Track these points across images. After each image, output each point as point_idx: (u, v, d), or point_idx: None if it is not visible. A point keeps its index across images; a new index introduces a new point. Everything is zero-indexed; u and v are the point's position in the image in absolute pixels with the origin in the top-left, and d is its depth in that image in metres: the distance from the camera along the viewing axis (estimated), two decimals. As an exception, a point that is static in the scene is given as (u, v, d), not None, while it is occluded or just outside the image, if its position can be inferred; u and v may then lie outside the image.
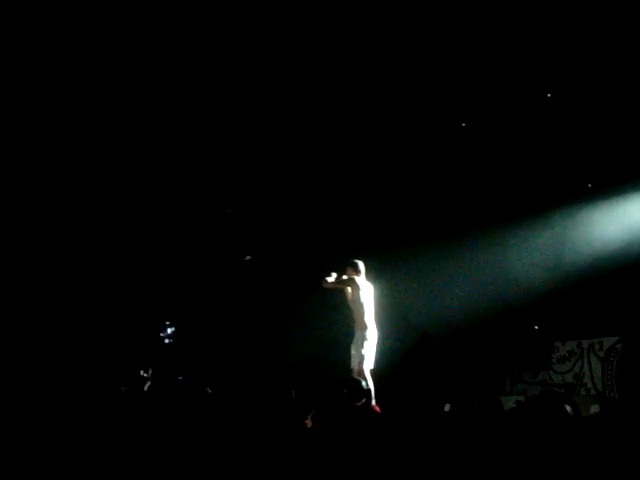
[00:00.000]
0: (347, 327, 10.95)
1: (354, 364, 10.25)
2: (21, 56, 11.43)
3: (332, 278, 10.29)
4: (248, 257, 13.93)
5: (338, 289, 10.51)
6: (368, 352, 10.14)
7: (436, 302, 14.01)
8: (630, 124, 12.00)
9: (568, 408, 5.57)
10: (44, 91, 12.01)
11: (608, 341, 12.66)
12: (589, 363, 12.80)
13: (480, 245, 13.96)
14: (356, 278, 10.31)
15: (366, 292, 10.27)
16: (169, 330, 12.67)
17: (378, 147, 13.62)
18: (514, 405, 10.14)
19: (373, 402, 9.41)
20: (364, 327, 10.19)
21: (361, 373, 10.06)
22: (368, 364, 10.14)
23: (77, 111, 12.41)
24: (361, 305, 10.22)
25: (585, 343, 13.03)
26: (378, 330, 10.33)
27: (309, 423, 5.16)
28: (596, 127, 12.28)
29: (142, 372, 10.81)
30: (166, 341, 12.93)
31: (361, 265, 10.49)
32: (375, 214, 14.28)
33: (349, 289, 10.38)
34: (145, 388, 10.36)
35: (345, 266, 10.48)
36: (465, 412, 6.79)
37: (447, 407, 8.68)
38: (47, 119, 12.37)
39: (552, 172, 13.08)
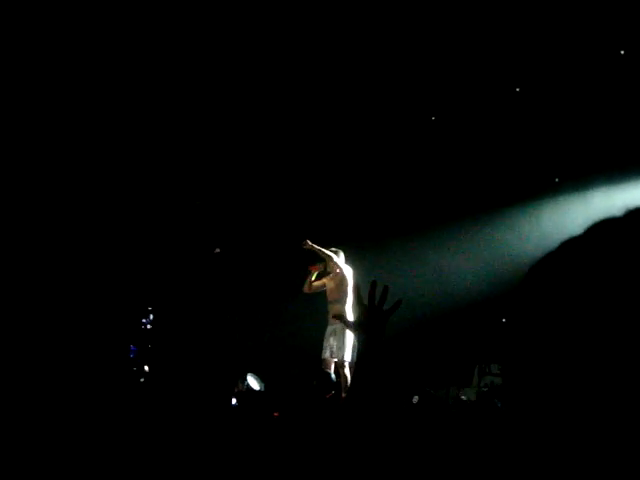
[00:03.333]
0: (317, 318, 10.91)
1: (327, 355, 10.17)
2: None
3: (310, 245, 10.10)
4: (217, 250, 13.87)
5: (318, 289, 10.36)
6: (349, 343, 9.99)
7: (403, 293, 14.05)
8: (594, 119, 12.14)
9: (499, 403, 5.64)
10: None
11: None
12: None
13: (450, 237, 14.03)
14: (340, 264, 10.21)
15: (349, 281, 10.09)
16: (150, 316, 12.60)
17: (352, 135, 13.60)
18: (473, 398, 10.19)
19: (344, 394, 9.42)
20: (349, 315, 10.05)
21: (341, 365, 9.99)
22: (349, 356, 10.01)
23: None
24: (344, 294, 10.05)
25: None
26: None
27: (277, 414, 5.15)
28: (564, 121, 12.40)
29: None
30: (148, 327, 12.85)
31: (341, 254, 10.40)
32: (344, 205, 14.27)
33: (331, 281, 10.23)
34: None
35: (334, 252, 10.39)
36: (433, 404, 6.84)
37: (415, 399, 8.74)
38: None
39: (520, 166, 13.20)
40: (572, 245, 0.84)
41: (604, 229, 0.83)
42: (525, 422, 0.83)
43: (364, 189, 14.18)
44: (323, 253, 10.14)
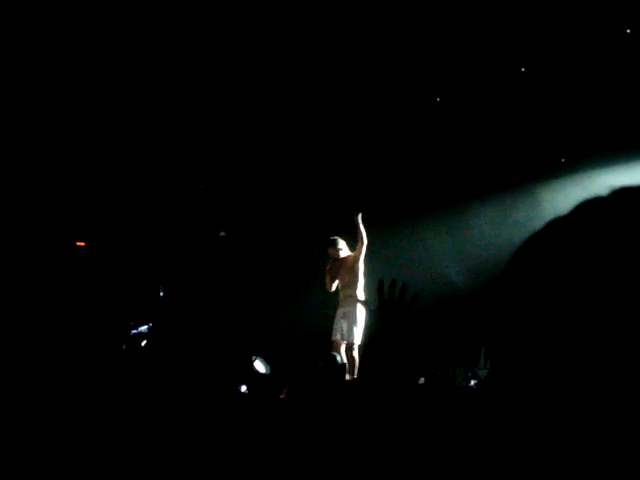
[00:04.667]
0: (325, 301, 10.95)
1: (337, 337, 10.24)
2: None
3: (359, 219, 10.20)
4: (222, 233, 13.88)
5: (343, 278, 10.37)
6: (360, 326, 10.12)
7: (412, 275, 14.06)
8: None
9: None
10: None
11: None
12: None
13: (460, 219, 14.01)
14: (347, 250, 10.40)
15: (360, 265, 10.25)
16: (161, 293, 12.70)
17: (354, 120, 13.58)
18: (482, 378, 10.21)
19: (348, 377, 9.46)
20: (359, 301, 10.17)
21: (350, 347, 10.08)
22: (359, 339, 10.12)
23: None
24: (360, 279, 10.20)
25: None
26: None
27: (283, 396, 5.17)
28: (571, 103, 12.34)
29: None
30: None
31: (342, 241, 10.55)
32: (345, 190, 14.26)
33: (343, 265, 10.32)
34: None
35: (336, 240, 10.49)
36: (439, 385, 6.85)
37: (421, 380, 8.76)
38: None
39: (529, 147, 13.16)
40: (558, 225, 0.84)
41: (590, 208, 0.83)
42: (513, 403, 0.83)
43: (372, 169, 14.17)
44: (360, 233, 10.25)
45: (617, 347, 0.69)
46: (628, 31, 11.41)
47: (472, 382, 10.26)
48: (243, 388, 6.21)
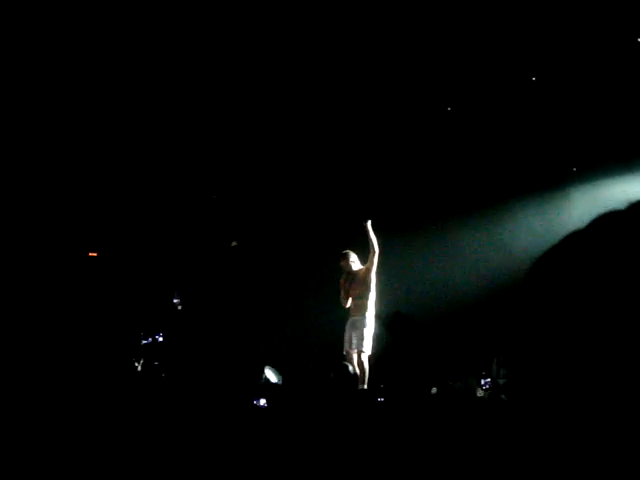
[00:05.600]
0: (336, 311, 10.96)
1: (348, 347, 10.26)
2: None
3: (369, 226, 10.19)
4: (234, 243, 13.90)
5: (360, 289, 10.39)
6: (369, 335, 10.17)
7: (424, 284, 14.05)
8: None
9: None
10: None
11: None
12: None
13: (469, 228, 13.99)
14: (359, 263, 10.42)
15: (372, 277, 10.29)
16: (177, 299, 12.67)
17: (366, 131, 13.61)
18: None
19: (364, 387, 9.46)
20: (369, 312, 10.21)
21: (360, 357, 10.11)
22: (368, 348, 10.17)
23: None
24: (372, 290, 10.24)
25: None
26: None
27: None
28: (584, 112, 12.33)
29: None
30: (179, 308, 12.91)
31: (353, 254, 10.59)
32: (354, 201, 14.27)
33: (354, 277, 10.35)
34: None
35: (347, 253, 10.52)
36: (451, 395, 6.85)
37: (434, 390, 8.75)
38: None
39: (540, 155, 13.15)
40: (576, 239, 0.84)
41: (607, 222, 0.84)
42: (529, 414, 0.83)
43: (389, 179, 14.17)
44: (371, 241, 10.24)
45: (629, 355, 0.68)
46: (639, 40, 11.41)
47: (480, 392, 10.25)
48: (262, 402, 6.17)
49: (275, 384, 10.98)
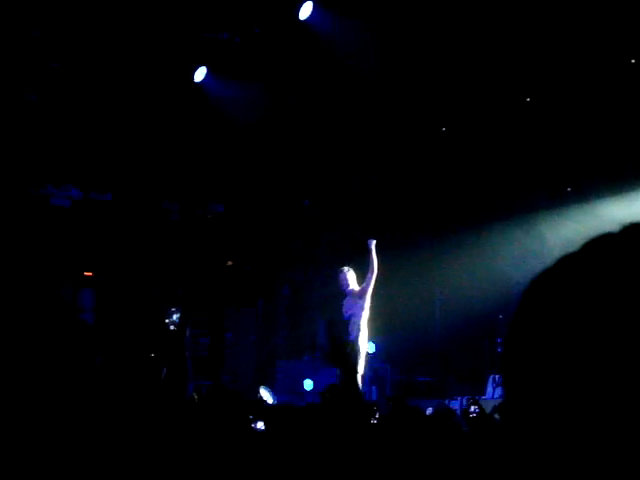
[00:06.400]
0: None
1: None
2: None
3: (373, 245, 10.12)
4: (230, 263, 13.91)
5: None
6: (362, 355, 10.11)
7: (419, 302, 14.04)
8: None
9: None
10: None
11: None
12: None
13: (468, 244, 13.97)
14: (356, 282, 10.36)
15: (367, 298, 10.24)
16: (174, 317, 12.60)
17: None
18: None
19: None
20: (363, 330, 10.17)
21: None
22: (361, 369, 10.12)
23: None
24: (365, 310, 10.19)
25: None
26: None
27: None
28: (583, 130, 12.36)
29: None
30: (171, 327, 12.84)
31: (352, 272, 10.54)
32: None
33: (350, 297, 10.30)
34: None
35: (347, 271, 10.46)
36: (447, 415, 6.81)
37: (429, 410, 8.72)
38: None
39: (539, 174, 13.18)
40: (568, 262, 0.86)
41: (600, 245, 0.85)
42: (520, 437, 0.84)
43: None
44: (372, 262, 10.19)
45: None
46: (633, 61, 11.48)
47: (473, 408, 10.18)
48: (260, 425, 6.11)
49: (271, 405, 10.94)
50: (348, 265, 10.57)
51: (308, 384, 12.71)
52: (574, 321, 0.80)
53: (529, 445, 0.79)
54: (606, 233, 0.87)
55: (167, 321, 12.28)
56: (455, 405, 11.83)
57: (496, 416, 6.44)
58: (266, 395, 11.43)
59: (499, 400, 11.24)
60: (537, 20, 10.85)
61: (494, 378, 13.05)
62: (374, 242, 10.21)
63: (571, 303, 0.82)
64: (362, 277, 10.44)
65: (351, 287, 10.39)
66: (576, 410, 0.77)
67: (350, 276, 10.43)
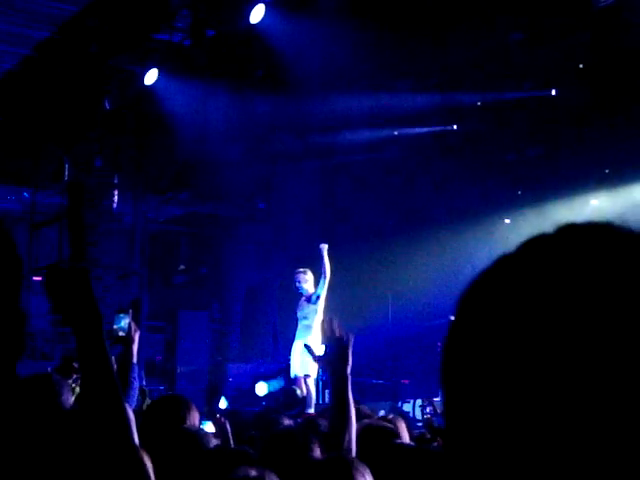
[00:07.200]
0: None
1: (297, 371, 10.17)
2: None
3: (325, 251, 10.07)
4: (182, 267, 13.83)
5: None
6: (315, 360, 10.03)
7: (372, 304, 14.03)
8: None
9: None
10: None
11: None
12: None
13: (421, 245, 14.00)
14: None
15: (320, 303, 10.21)
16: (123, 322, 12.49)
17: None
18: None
19: (310, 410, 9.40)
20: (317, 335, 10.13)
21: (306, 381, 10.01)
22: (314, 373, 10.07)
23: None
24: (319, 313, 10.15)
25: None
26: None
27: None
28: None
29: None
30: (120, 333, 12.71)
31: (311, 274, 10.51)
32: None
33: (311, 294, 10.25)
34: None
35: (304, 272, 10.41)
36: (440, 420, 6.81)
37: (381, 412, 8.73)
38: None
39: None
40: (504, 263, 0.85)
41: (535, 246, 0.84)
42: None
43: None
44: (324, 266, 10.15)
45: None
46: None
47: (428, 410, 10.23)
48: (209, 426, 6.02)
49: (224, 410, 10.88)
50: (305, 267, 10.56)
51: (261, 388, 12.63)
52: (510, 325, 0.79)
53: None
54: (542, 233, 0.87)
55: (115, 327, 12.13)
56: (408, 407, 11.88)
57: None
58: (221, 402, 11.34)
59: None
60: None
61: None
62: (326, 247, 10.19)
63: (507, 306, 0.81)
64: (316, 281, 10.44)
65: (306, 288, 10.37)
66: (521, 430, 0.72)
67: (305, 278, 10.41)
